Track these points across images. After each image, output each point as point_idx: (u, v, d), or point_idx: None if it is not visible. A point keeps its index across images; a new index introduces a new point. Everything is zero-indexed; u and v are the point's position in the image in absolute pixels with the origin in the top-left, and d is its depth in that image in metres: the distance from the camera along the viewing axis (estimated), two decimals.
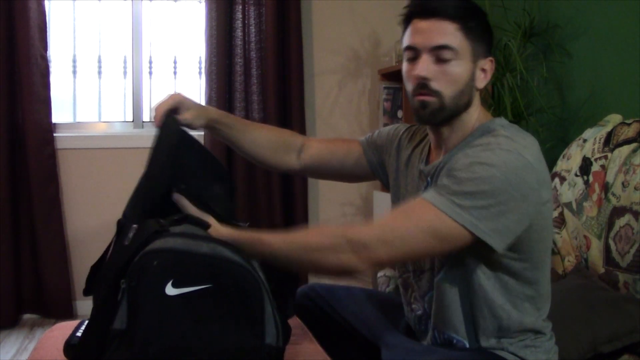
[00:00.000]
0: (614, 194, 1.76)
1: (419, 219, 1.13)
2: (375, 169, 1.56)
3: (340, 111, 3.53)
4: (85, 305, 3.22)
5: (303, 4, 3.37)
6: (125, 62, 3.38)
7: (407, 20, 1.29)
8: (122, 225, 1.24)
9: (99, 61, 3.37)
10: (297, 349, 1.38)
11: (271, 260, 1.16)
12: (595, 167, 1.87)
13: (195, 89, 3.47)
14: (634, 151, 1.76)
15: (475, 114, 1.29)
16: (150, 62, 3.42)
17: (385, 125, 3.36)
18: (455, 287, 1.25)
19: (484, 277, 1.23)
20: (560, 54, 2.48)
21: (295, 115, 3.32)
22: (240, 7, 3.25)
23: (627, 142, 1.80)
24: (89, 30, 3.34)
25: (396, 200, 1.46)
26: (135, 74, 3.37)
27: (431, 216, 1.11)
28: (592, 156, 1.90)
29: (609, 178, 1.80)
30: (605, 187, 1.80)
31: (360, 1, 3.49)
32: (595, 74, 2.31)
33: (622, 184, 1.74)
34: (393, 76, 3.31)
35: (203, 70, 3.31)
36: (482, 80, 1.27)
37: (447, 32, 1.21)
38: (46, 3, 3.09)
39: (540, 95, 2.58)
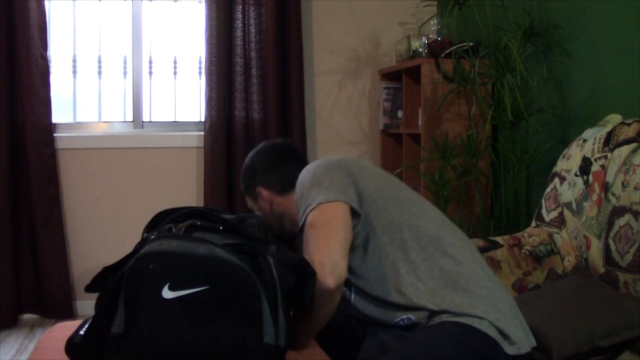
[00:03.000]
0: (613, 194, 1.76)
1: (315, 225, 1.37)
2: None
3: (340, 111, 3.53)
4: (85, 305, 3.23)
5: (303, 4, 3.37)
6: (125, 62, 3.38)
7: None
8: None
9: (99, 61, 3.37)
10: (297, 349, 1.39)
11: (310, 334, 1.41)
12: (595, 167, 1.87)
13: (195, 89, 3.47)
14: (634, 151, 1.76)
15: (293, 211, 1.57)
16: (150, 62, 3.42)
17: (385, 125, 3.36)
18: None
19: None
20: (560, 54, 2.48)
21: (295, 115, 3.32)
22: (240, 7, 3.25)
23: (627, 142, 1.80)
24: (89, 30, 3.34)
25: None
26: (135, 74, 3.37)
27: (310, 218, 1.38)
28: (592, 156, 1.90)
29: (609, 178, 1.80)
30: (605, 187, 1.80)
31: (360, 1, 3.49)
32: (595, 74, 2.31)
33: (622, 184, 1.74)
34: (393, 76, 3.31)
35: (203, 70, 3.31)
36: (265, 202, 1.65)
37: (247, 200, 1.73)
38: (46, 3, 3.09)
39: (540, 95, 2.58)
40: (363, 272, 1.41)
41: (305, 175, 1.50)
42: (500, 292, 1.38)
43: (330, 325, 1.53)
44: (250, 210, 1.73)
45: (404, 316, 1.36)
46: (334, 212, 1.37)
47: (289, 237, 1.60)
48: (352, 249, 1.39)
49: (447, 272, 1.35)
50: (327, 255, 1.29)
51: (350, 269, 1.39)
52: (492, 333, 1.28)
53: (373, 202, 1.42)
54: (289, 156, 1.70)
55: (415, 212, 1.44)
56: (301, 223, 1.40)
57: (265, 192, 1.63)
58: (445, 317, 1.31)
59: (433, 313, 1.33)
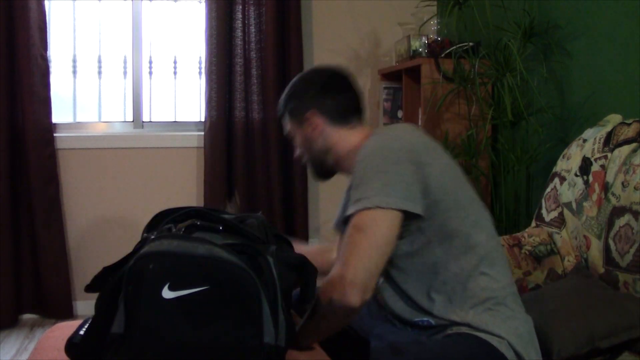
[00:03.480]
0: (613, 194, 1.76)
1: (361, 231, 1.25)
2: None
3: None
4: (85, 305, 3.23)
5: (303, 4, 3.37)
6: (125, 62, 3.38)
7: None
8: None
9: (99, 61, 3.37)
10: (297, 349, 1.39)
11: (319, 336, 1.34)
12: (595, 167, 1.87)
13: (195, 89, 3.47)
14: (634, 151, 1.76)
15: (347, 146, 1.48)
16: (150, 62, 3.42)
17: (385, 124, 3.36)
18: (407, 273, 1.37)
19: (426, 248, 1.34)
20: (560, 54, 2.48)
21: None
22: (240, 7, 3.25)
23: (627, 142, 1.80)
24: (89, 30, 3.34)
25: None
26: (135, 74, 3.37)
27: (361, 220, 1.25)
28: (592, 156, 1.90)
29: (609, 178, 1.80)
30: (605, 187, 1.80)
31: (360, 1, 3.49)
32: (595, 74, 2.31)
33: (622, 184, 1.74)
34: (393, 76, 3.31)
35: (203, 70, 3.31)
36: (314, 130, 1.49)
37: (285, 124, 1.57)
38: (46, 3, 3.09)
39: (540, 95, 2.58)
40: (403, 264, 1.35)
41: (374, 150, 1.33)
42: (523, 315, 1.36)
43: None
44: (289, 135, 1.56)
45: (425, 318, 1.34)
46: (384, 222, 1.25)
47: (326, 174, 1.54)
48: (401, 238, 1.31)
49: (482, 289, 1.32)
50: (362, 272, 1.21)
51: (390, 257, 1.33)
52: (509, 355, 1.27)
53: (435, 202, 1.32)
54: (349, 84, 1.51)
55: (471, 221, 1.36)
56: (352, 211, 1.28)
57: (317, 119, 1.46)
58: (465, 329, 1.29)
59: (454, 323, 1.31)
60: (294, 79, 1.54)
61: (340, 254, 1.25)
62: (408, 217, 1.28)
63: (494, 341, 1.27)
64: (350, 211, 1.28)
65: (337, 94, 1.48)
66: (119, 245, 3.23)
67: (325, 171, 1.53)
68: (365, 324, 1.49)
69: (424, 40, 3.02)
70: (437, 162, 1.35)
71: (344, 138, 1.47)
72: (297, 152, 1.57)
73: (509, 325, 1.30)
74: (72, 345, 1.19)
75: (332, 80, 1.50)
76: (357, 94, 1.51)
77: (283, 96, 1.54)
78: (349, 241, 1.25)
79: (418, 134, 1.40)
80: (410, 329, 1.38)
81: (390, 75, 3.34)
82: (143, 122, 3.42)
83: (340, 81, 1.51)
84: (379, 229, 1.24)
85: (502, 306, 1.32)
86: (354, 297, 1.20)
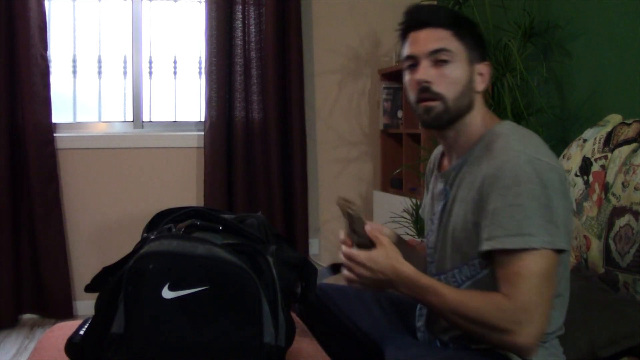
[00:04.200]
0: (614, 194, 1.76)
1: (528, 270, 1.15)
2: None
3: (340, 111, 3.53)
4: (85, 305, 3.22)
5: (303, 4, 3.37)
6: (125, 62, 3.38)
7: (404, 34, 1.39)
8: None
9: (99, 61, 3.37)
10: (297, 349, 1.39)
11: (435, 310, 1.22)
12: (595, 167, 1.87)
13: (195, 89, 3.47)
14: (634, 151, 1.76)
15: (479, 117, 1.33)
16: (150, 62, 3.42)
17: (385, 124, 3.36)
18: None
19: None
20: (560, 54, 2.48)
21: (295, 115, 3.32)
22: (240, 7, 3.25)
23: (627, 142, 1.80)
24: (89, 30, 3.34)
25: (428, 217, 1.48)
26: (135, 74, 3.37)
27: (530, 258, 1.14)
28: (592, 156, 1.90)
29: (609, 178, 1.80)
30: (605, 187, 1.80)
31: (360, 1, 3.49)
32: (595, 74, 2.31)
33: (622, 184, 1.74)
34: (393, 76, 3.31)
35: (203, 70, 3.31)
36: (480, 84, 1.33)
37: (442, 37, 1.29)
38: (46, 3, 3.09)
39: (540, 95, 2.58)
40: (485, 287, 1.24)
41: (529, 174, 1.17)
42: (562, 357, 1.34)
43: (335, 324, 1.53)
44: (433, 57, 1.30)
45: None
46: (553, 265, 1.17)
47: (443, 125, 1.32)
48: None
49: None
50: (543, 320, 1.14)
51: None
52: None
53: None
54: None
55: (568, 260, 1.30)
56: (515, 246, 1.15)
57: (488, 75, 1.34)
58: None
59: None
60: (476, 26, 1.35)
61: (521, 293, 1.14)
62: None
63: None
64: (511, 245, 1.16)
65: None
66: (119, 245, 3.23)
67: (446, 121, 1.31)
68: (383, 332, 1.46)
69: None
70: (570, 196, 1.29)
71: (479, 105, 1.34)
72: (424, 76, 1.29)
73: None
74: (72, 345, 1.19)
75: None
76: None
77: (472, 39, 1.32)
78: (521, 283, 1.14)
79: (551, 152, 1.27)
80: (439, 343, 1.35)
81: (390, 75, 3.34)
82: (143, 122, 3.42)
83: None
84: (551, 269, 1.16)
85: (550, 343, 1.29)
86: (526, 340, 1.13)
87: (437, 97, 1.28)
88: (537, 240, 1.14)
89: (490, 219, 1.19)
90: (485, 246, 1.19)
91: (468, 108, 1.31)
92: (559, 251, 1.18)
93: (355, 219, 1.29)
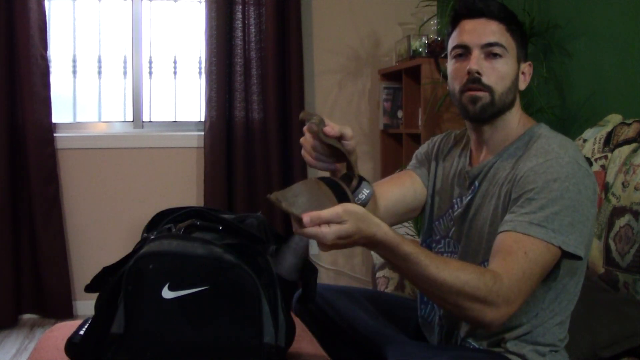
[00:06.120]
0: (614, 194, 1.76)
1: (534, 257, 1.14)
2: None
3: (340, 111, 3.53)
4: (85, 305, 3.22)
5: (303, 4, 3.37)
6: (125, 62, 3.38)
7: (455, 21, 1.35)
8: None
9: (99, 61, 3.37)
10: (297, 349, 1.39)
11: (415, 281, 1.12)
12: (595, 167, 1.87)
13: (195, 89, 3.47)
14: (634, 151, 1.76)
15: (517, 116, 1.35)
16: (150, 62, 3.42)
17: (385, 125, 3.36)
18: None
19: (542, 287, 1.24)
20: (560, 54, 2.48)
21: (295, 115, 3.32)
22: (240, 7, 3.25)
23: (627, 142, 1.80)
24: (89, 30, 3.34)
25: (443, 207, 1.46)
26: (135, 74, 3.37)
27: (540, 249, 1.14)
28: (592, 156, 1.90)
29: (609, 178, 1.80)
30: (605, 187, 1.80)
31: (360, 1, 3.49)
32: (595, 74, 2.31)
33: (622, 184, 1.74)
34: (393, 76, 3.31)
35: (203, 70, 3.31)
36: (523, 82, 1.35)
37: (496, 31, 1.29)
38: (46, 3, 3.09)
39: (540, 95, 2.58)
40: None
41: (569, 176, 1.19)
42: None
43: (336, 324, 1.52)
44: (487, 50, 1.30)
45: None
46: (552, 263, 1.18)
47: (486, 118, 1.31)
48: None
49: (553, 334, 1.28)
50: (521, 298, 1.13)
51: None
52: None
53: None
54: None
55: (583, 270, 1.29)
56: (533, 234, 1.15)
57: (529, 74, 1.38)
58: (512, 357, 1.26)
59: (508, 351, 1.26)
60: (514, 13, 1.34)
61: (509, 269, 1.13)
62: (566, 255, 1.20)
63: None
64: (531, 231, 1.16)
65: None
66: (119, 245, 3.23)
67: (489, 115, 1.31)
68: (381, 332, 1.44)
69: (424, 40, 3.02)
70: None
71: (518, 105, 1.36)
72: (476, 67, 1.28)
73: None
74: (72, 345, 1.19)
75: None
76: None
77: (518, 36, 1.35)
78: (522, 266, 1.14)
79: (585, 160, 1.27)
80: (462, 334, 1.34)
81: (390, 75, 3.34)
82: (143, 122, 3.42)
83: None
84: (549, 263, 1.17)
85: (561, 353, 1.29)
86: (497, 314, 1.11)
87: (486, 88, 1.28)
88: (557, 238, 1.15)
89: (519, 206, 1.19)
90: (507, 227, 1.17)
91: (510, 105, 1.32)
92: (569, 255, 1.18)
93: (319, 121, 1.21)
